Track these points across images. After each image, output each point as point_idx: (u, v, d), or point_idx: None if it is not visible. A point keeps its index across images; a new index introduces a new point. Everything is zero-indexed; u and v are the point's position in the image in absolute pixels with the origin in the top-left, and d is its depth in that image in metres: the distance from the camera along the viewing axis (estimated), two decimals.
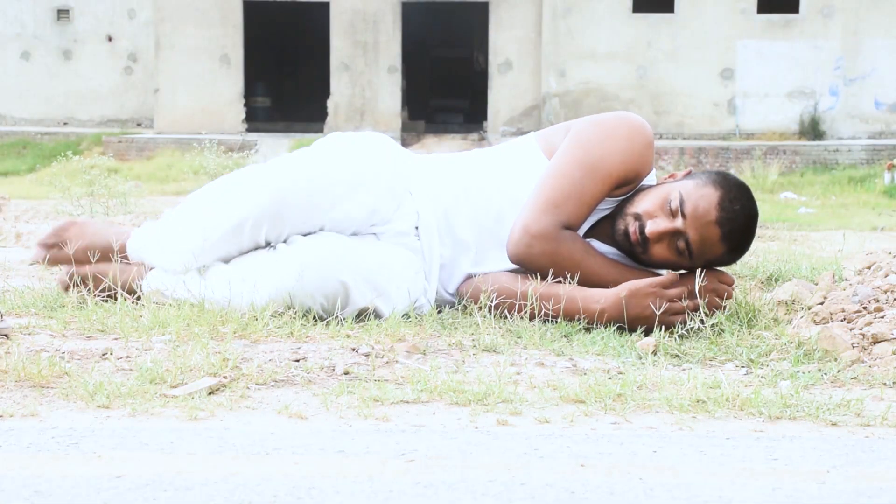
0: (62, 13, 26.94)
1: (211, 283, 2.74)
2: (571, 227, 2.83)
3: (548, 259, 2.79)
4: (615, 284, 2.76)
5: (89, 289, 2.84)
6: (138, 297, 2.82)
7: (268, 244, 2.79)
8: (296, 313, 2.60)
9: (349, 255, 2.70)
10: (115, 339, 2.40)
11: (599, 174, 2.85)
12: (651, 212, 2.80)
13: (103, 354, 2.26)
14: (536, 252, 2.79)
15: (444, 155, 3.14)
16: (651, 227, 2.77)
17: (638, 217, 2.81)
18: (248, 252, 2.80)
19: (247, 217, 2.75)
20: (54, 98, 26.47)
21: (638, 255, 2.84)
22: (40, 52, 26.81)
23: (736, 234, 2.76)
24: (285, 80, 26.89)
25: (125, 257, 2.92)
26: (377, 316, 2.69)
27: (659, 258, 2.82)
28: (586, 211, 2.86)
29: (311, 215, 2.77)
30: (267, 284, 2.68)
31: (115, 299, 2.77)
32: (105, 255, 2.92)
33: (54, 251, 2.97)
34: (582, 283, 2.77)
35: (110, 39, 26.80)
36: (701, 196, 2.76)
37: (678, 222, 2.76)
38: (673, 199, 2.77)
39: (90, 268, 2.90)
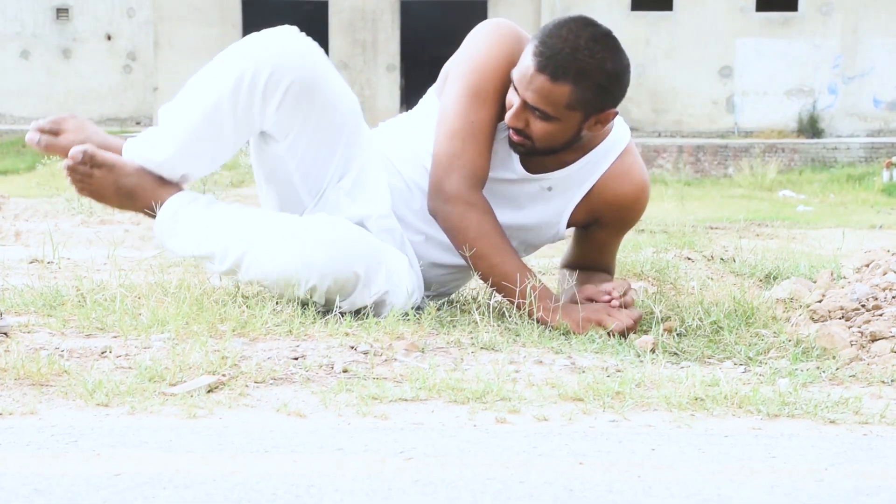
0: (61, 12, 26.94)
1: (226, 241, 2.74)
2: (479, 172, 2.80)
3: (456, 220, 2.78)
4: (501, 278, 2.74)
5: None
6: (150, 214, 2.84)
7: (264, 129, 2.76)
8: (294, 310, 2.60)
9: (367, 248, 2.68)
10: (115, 337, 2.40)
11: (482, 95, 2.80)
12: (507, 105, 2.77)
13: (102, 352, 2.26)
14: (445, 212, 2.79)
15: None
16: (507, 118, 2.74)
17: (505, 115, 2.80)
18: (239, 139, 2.78)
19: (245, 71, 2.71)
20: (53, 97, 26.48)
21: (534, 150, 2.81)
22: (39, 51, 26.82)
23: (553, 59, 2.64)
24: None
25: None
26: (376, 314, 2.69)
27: (541, 137, 2.75)
28: (486, 142, 2.81)
29: (311, 81, 2.73)
30: (283, 254, 2.64)
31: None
32: None
33: (48, 137, 2.91)
34: (475, 262, 2.77)
35: (109, 38, 26.81)
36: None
37: (517, 96, 2.72)
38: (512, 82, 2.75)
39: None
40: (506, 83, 2.80)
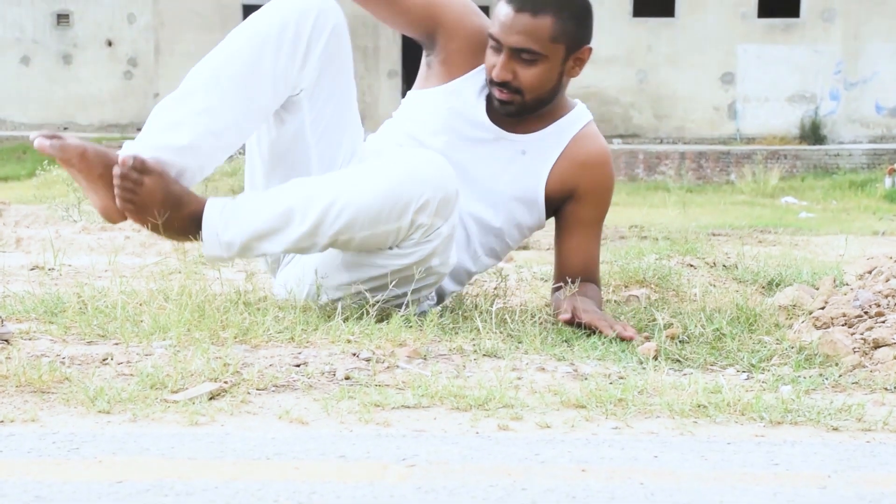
0: (62, 18, 26.95)
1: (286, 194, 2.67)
2: None
3: None
4: None
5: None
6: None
7: (296, 92, 2.72)
8: (296, 317, 2.59)
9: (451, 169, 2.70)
10: (116, 343, 2.40)
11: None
12: (489, 67, 2.84)
13: (104, 359, 2.26)
14: None
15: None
16: (494, 74, 2.82)
17: (491, 81, 2.86)
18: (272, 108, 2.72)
19: (290, 12, 2.67)
20: (54, 103, 26.48)
21: (523, 106, 2.87)
22: (40, 57, 26.82)
23: None
24: None
25: None
26: (431, 283, 2.74)
27: (530, 84, 2.83)
28: None
29: (344, 28, 2.74)
30: (387, 177, 2.60)
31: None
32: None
33: (58, 139, 2.65)
34: None
35: (110, 44, 26.81)
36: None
37: (500, 49, 2.79)
38: (490, 42, 2.83)
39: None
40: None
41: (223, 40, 2.73)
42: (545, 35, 2.77)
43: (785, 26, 23.37)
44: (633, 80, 23.41)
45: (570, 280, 2.93)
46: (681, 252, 4.41)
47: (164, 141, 2.65)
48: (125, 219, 2.70)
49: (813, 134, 22.98)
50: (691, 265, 4.05)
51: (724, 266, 4.02)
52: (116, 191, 2.64)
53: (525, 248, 7.97)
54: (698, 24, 23.30)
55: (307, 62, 2.70)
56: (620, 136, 23.03)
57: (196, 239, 2.71)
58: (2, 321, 2.43)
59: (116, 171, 2.62)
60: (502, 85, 2.83)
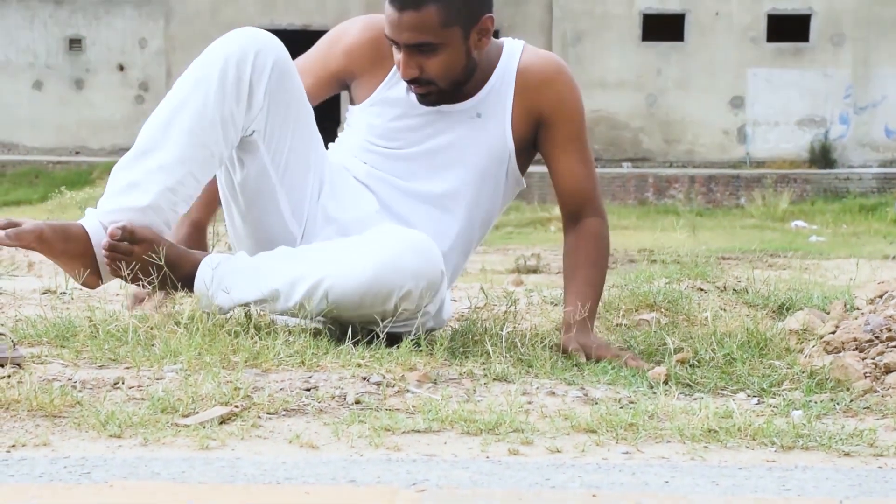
0: (74, 43, 27.09)
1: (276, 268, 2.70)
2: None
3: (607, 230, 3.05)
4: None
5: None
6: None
7: (248, 133, 2.75)
8: (306, 341, 2.59)
9: (437, 248, 2.71)
10: (127, 368, 2.40)
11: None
12: (397, 67, 2.84)
13: (115, 383, 2.26)
14: (603, 222, 3.03)
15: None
16: (401, 74, 2.82)
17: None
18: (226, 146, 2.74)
19: (229, 57, 2.71)
20: (66, 127, 26.58)
21: (442, 93, 2.86)
22: (52, 82, 26.94)
23: None
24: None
25: None
26: (428, 330, 2.73)
27: (439, 73, 2.81)
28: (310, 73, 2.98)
29: (287, 63, 2.77)
30: (368, 265, 2.61)
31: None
32: None
33: (13, 228, 2.66)
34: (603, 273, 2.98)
35: (122, 69, 26.93)
36: None
37: (396, 48, 2.80)
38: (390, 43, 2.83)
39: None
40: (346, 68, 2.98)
41: (171, 90, 2.78)
42: (435, 24, 2.74)
43: (795, 50, 23.40)
44: (643, 105, 23.44)
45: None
46: (691, 276, 4.40)
47: (125, 203, 2.71)
48: (101, 283, 2.76)
49: (823, 158, 22.97)
50: (701, 289, 4.05)
51: (734, 290, 4.01)
52: (106, 261, 2.70)
53: (535, 271, 7.97)
54: (708, 48, 23.33)
55: (253, 103, 2.74)
56: (630, 160, 23.04)
57: (189, 295, 2.79)
58: (14, 345, 2.43)
59: (105, 242, 2.68)
60: (413, 81, 2.83)
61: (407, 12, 2.73)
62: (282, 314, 2.75)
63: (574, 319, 2.81)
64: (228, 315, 2.75)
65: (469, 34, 2.81)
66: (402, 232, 2.73)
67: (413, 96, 2.91)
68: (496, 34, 3.03)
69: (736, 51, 23.34)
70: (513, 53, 2.97)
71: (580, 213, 3.00)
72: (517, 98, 2.95)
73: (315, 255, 2.72)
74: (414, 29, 2.74)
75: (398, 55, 2.81)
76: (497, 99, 2.95)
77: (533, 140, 3.00)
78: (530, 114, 2.96)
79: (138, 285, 2.74)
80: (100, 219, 2.72)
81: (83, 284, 2.77)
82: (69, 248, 2.69)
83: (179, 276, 2.75)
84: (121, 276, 2.72)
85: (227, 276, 2.74)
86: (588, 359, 2.70)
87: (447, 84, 2.84)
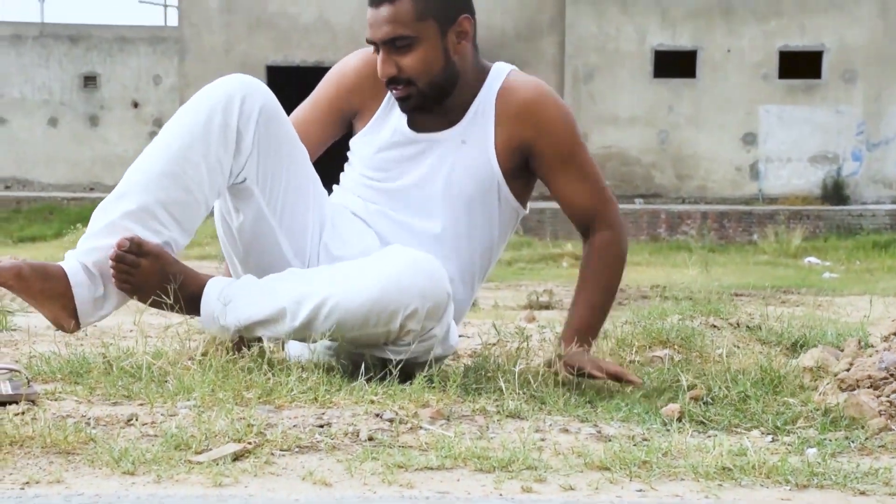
0: (89, 80, 27.27)
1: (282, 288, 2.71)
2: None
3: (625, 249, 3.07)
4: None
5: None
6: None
7: (239, 180, 2.76)
8: (319, 377, 2.59)
9: (442, 268, 2.71)
10: (141, 404, 2.41)
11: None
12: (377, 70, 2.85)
13: (128, 420, 2.27)
14: (625, 242, 3.06)
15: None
16: (379, 74, 2.83)
17: (385, 85, 2.88)
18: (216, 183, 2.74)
19: (216, 103, 2.73)
20: (81, 163, 26.73)
21: (422, 96, 2.86)
22: (67, 119, 27.11)
23: None
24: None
25: None
26: (437, 359, 2.73)
27: (416, 70, 2.82)
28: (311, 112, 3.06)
29: (275, 107, 2.81)
30: (374, 284, 2.61)
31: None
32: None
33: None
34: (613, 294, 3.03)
35: (136, 105, 27.10)
36: None
37: (378, 49, 2.82)
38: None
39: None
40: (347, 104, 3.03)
41: (158, 135, 2.79)
42: (409, 17, 2.77)
43: (806, 87, 23.42)
44: (655, 141, 23.46)
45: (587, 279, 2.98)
46: (704, 312, 4.39)
47: (104, 243, 2.70)
48: (79, 328, 2.74)
49: (836, 194, 22.94)
50: (715, 326, 4.04)
51: (747, 327, 4.01)
52: (113, 272, 2.70)
53: (548, 307, 7.96)
54: (719, 84, 23.37)
55: (241, 149, 2.75)
56: (642, 196, 23.05)
57: (195, 316, 2.80)
58: (28, 382, 2.44)
59: (112, 253, 2.68)
60: (392, 82, 2.84)
61: (383, 6, 2.78)
62: (288, 336, 2.74)
63: (565, 342, 2.88)
64: (233, 336, 2.75)
65: (446, 33, 2.83)
66: (408, 252, 2.72)
67: (404, 123, 2.93)
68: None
69: (748, 87, 23.38)
70: (497, 77, 2.96)
71: (590, 228, 3.01)
72: (498, 124, 2.93)
73: (322, 275, 2.72)
74: (389, 22, 2.77)
75: (376, 59, 2.84)
76: (480, 124, 2.94)
77: (524, 165, 2.98)
78: (513, 141, 2.94)
79: (145, 302, 2.75)
80: (78, 258, 2.71)
81: (58, 326, 2.74)
82: (47, 288, 2.67)
83: (185, 294, 2.75)
84: (125, 290, 2.72)
85: (234, 295, 2.75)
86: (581, 375, 2.78)
87: (425, 84, 2.84)
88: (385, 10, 2.78)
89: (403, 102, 2.88)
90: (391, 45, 2.79)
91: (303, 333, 2.70)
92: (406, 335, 2.65)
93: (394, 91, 2.87)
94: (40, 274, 2.66)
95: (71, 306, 2.70)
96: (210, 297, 2.76)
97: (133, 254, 2.68)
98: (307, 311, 2.66)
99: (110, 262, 2.69)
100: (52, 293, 2.67)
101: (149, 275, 2.70)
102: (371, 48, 2.91)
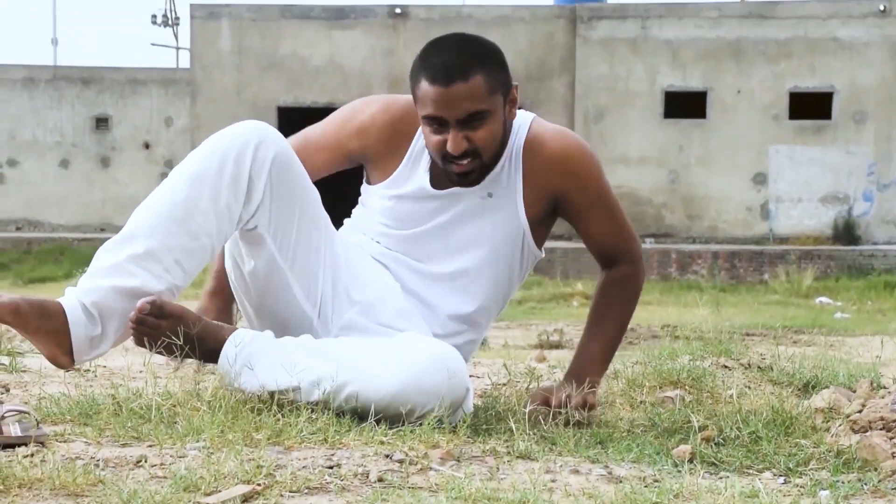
0: (101, 122, 27.44)
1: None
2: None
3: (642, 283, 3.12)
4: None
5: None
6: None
7: (250, 227, 2.75)
8: (329, 419, 2.58)
9: (462, 359, 2.71)
10: (150, 446, 2.40)
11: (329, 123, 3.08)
12: (437, 145, 2.80)
13: (138, 462, 2.26)
14: (642, 276, 3.10)
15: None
16: (451, 150, 2.77)
17: (444, 158, 2.82)
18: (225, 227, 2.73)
19: (229, 149, 2.71)
20: (92, 204, 26.83)
21: (482, 168, 2.85)
22: (79, 160, 27.25)
23: (452, 67, 2.73)
24: (320, 184, 27.13)
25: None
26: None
27: (486, 143, 2.80)
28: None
29: (289, 154, 2.79)
30: (394, 381, 2.60)
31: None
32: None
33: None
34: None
35: (147, 146, 27.24)
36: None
37: (443, 124, 2.77)
38: (428, 123, 2.80)
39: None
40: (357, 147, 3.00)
41: (167, 178, 2.78)
42: (484, 92, 2.75)
43: (816, 128, 23.46)
44: (665, 181, 23.49)
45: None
46: (715, 353, 4.38)
47: (106, 283, 2.69)
48: (73, 365, 2.73)
49: (847, 234, 22.92)
50: (726, 366, 4.02)
51: (759, 367, 3.99)
52: (133, 333, 2.69)
53: (558, 346, 7.94)
54: (730, 125, 23.42)
55: (252, 197, 2.74)
56: (653, 236, 23.04)
57: (212, 373, 2.80)
58: (37, 423, 2.44)
59: (133, 315, 2.67)
60: (463, 156, 2.80)
61: (456, 85, 2.73)
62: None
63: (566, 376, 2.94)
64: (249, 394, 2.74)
65: (505, 101, 2.84)
66: (429, 347, 2.70)
67: (427, 181, 2.92)
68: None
69: (758, 128, 23.42)
70: (520, 129, 2.96)
71: (612, 262, 3.04)
72: (526, 177, 2.93)
73: (341, 356, 2.69)
74: (467, 99, 2.74)
75: (437, 136, 2.79)
76: (507, 178, 2.94)
77: (551, 211, 3.00)
78: (543, 192, 2.95)
79: (161, 354, 2.73)
80: (78, 297, 2.70)
81: (53, 363, 2.72)
82: (44, 325, 2.65)
83: (204, 350, 2.74)
84: (142, 346, 2.71)
85: (251, 359, 2.72)
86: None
87: (489, 156, 2.84)
88: (460, 88, 2.73)
89: (464, 177, 2.85)
90: (465, 121, 2.77)
91: (315, 405, 2.68)
92: (425, 421, 2.62)
93: (457, 165, 2.82)
94: (38, 311, 2.65)
95: (67, 344, 2.68)
96: (227, 359, 2.73)
97: (153, 316, 2.67)
98: (323, 391, 2.64)
99: (130, 325, 2.68)
100: (48, 330, 2.66)
101: (169, 335, 2.69)
102: (389, 97, 2.93)
